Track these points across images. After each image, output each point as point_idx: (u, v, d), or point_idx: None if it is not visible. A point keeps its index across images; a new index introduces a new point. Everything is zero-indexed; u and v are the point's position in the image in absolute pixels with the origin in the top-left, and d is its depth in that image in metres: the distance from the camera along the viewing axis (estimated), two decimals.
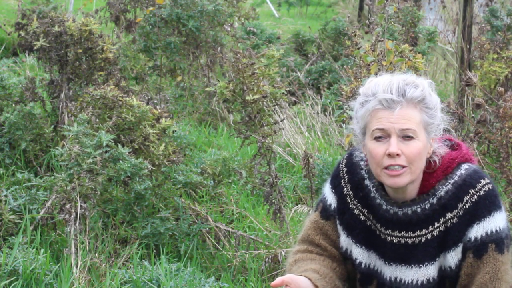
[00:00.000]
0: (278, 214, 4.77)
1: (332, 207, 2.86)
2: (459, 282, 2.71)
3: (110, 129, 4.86)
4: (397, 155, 2.60)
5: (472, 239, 2.66)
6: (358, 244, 2.81)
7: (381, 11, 4.78)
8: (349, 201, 2.82)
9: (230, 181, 5.43)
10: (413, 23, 8.43)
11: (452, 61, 7.96)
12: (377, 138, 2.63)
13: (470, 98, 6.30)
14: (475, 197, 2.66)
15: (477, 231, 2.65)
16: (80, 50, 5.90)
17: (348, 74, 4.85)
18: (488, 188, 2.68)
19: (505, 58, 5.97)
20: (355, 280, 2.88)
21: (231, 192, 5.44)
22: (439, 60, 9.33)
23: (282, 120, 5.25)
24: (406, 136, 2.61)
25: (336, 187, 2.86)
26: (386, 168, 2.63)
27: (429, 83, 2.69)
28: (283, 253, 4.54)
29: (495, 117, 5.07)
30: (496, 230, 2.66)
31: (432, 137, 2.68)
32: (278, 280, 2.64)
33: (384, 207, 2.75)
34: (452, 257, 2.69)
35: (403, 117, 2.60)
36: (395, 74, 2.70)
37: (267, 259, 4.55)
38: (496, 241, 2.65)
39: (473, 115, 6.08)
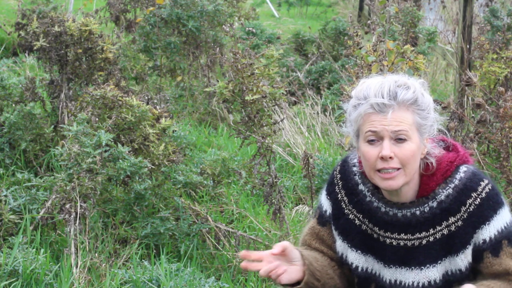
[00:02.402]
0: (278, 214, 4.77)
1: (328, 213, 2.88)
2: (484, 278, 2.72)
3: (110, 128, 4.86)
4: (390, 158, 2.61)
5: (487, 240, 2.68)
6: (353, 248, 2.82)
7: (381, 11, 4.78)
8: (344, 206, 2.84)
9: (229, 181, 5.43)
10: (413, 23, 8.43)
11: (452, 61, 7.96)
12: (370, 141, 2.64)
13: (470, 98, 6.30)
14: (478, 200, 2.68)
15: (489, 232, 2.68)
16: (80, 50, 5.90)
17: (349, 74, 4.85)
18: (489, 188, 2.69)
19: (505, 58, 5.97)
20: (353, 284, 2.89)
21: (231, 192, 5.44)
22: (439, 60, 9.34)
23: (281, 120, 5.25)
24: (399, 138, 2.62)
25: (331, 194, 2.88)
26: (379, 170, 2.63)
27: (422, 83, 2.69)
28: None
29: (495, 117, 5.07)
30: (505, 226, 2.69)
31: (426, 138, 2.69)
32: (279, 246, 2.66)
33: (383, 209, 2.75)
34: (462, 260, 2.70)
35: (395, 120, 2.61)
36: (388, 75, 2.70)
37: None
38: (507, 236, 2.69)
39: (473, 115, 6.08)
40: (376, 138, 2.63)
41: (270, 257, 2.68)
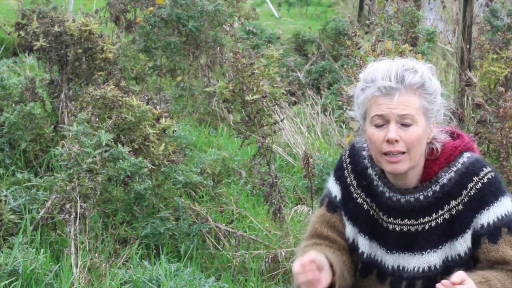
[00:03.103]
0: (278, 214, 4.76)
1: (338, 198, 2.87)
2: (480, 267, 2.72)
3: (110, 129, 4.86)
4: (396, 141, 2.62)
5: (485, 225, 2.68)
6: (361, 234, 2.82)
7: (381, 11, 4.78)
8: (353, 190, 2.83)
9: (230, 181, 5.43)
10: (413, 23, 8.43)
11: (452, 61, 7.96)
12: (377, 124, 2.64)
13: (470, 98, 6.30)
14: (479, 184, 2.69)
15: (488, 217, 2.68)
16: (80, 50, 5.90)
17: (348, 74, 4.85)
18: (491, 175, 2.71)
19: (505, 58, 5.96)
20: (356, 271, 2.89)
21: (231, 192, 5.44)
22: (439, 60, 9.34)
23: (282, 120, 5.25)
24: (405, 122, 2.62)
25: (340, 178, 2.87)
26: (386, 154, 2.64)
27: (430, 68, 2.70)
28: (283, 253, 4.54)
29: (495, 117, 5.07)
30: (506, 214, 2.69)
31: (432, 122, 2.70)
32: (304, 261, 2.62)
33: (387, 194, 2.76)
34: (461, 244, 2.71)
35: (402, 103, 2.62)
36: (396, 59, 2.71)
37: (267, 259, 4.55)
38: (507, 224, 2.69)
39: (473, 115, 6.08)
40: (382, 121, 2.64)
41: (309, 265, 2.65)
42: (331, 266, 2.73)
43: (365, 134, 2.73)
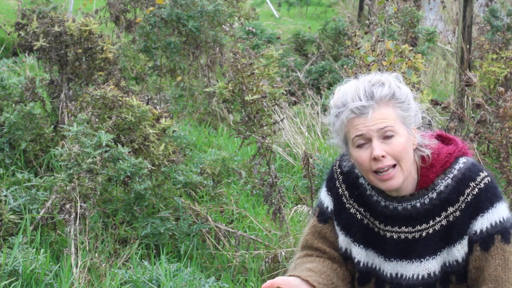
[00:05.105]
0: (278, 214, 4.77)
1: (329, 209, 2.88)
2: (469, 276, 2.73)
3: (110, 129, 4.86)
4: (383, 156, 2.62)
5: (478, 231, 2.68)
6: (356, 243, 2.83)
7: (381, 11, 4.78)
8: (345, 201, 2.84)
9: (229, 181, 5.43)
10: (413, 23, 8.43)
11: (452, 61, 7.96)
12: (359, 145, 2.65)
13: (470, 98, 6.30)
14: (476, 189, 2.69)
15: (482, 224, 2.67)
16: (80, 50, 5.90)
17: (348, 74, 4.85)
18: (488, 180, 2.70)
19: (505, 58, 5.97)
20: (353, 279, 2.90)
21: (231, 192, 5.44)
22: (439, 60, 9.34)
23: (281, 120, 5.25)
24: (386, 136, 2.63)
25: (332, 189, 2.88)
26: (376, 172, 2.64)
27: (396, 77, 2.70)
28: (283, 253, 4.54)
29: (495, 117, 5.07)
30: (500, 221, 2.68)
31: (413, 128, 2.70)
32: (268, 283, 2.65)
33: (383, 203, 2.76)
34: (459, 250, 2.71)
35: (378, 118, 2.63)
36: (360, 77, 2.71)
37: (267, 259, 4.55)
38: (501, 231, 2.68)
39: (473, 115, 6.08)
40: (364, 141, 2.64)
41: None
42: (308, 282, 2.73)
43: (350, 158, 2.74)
